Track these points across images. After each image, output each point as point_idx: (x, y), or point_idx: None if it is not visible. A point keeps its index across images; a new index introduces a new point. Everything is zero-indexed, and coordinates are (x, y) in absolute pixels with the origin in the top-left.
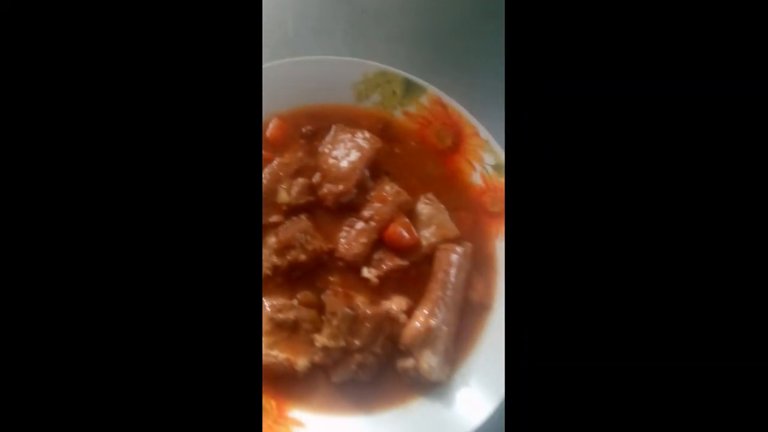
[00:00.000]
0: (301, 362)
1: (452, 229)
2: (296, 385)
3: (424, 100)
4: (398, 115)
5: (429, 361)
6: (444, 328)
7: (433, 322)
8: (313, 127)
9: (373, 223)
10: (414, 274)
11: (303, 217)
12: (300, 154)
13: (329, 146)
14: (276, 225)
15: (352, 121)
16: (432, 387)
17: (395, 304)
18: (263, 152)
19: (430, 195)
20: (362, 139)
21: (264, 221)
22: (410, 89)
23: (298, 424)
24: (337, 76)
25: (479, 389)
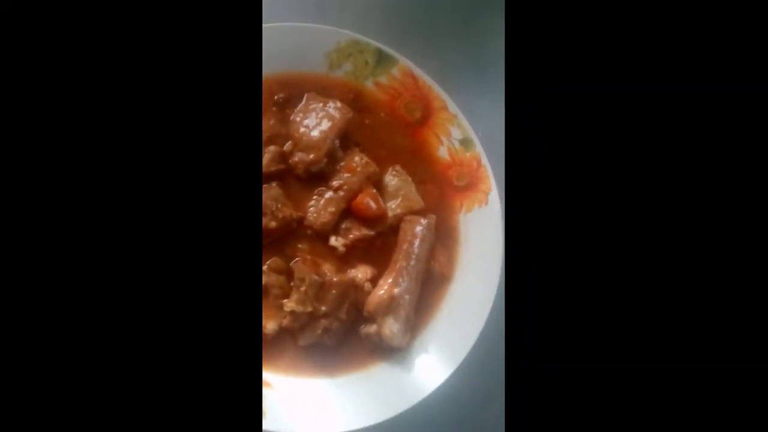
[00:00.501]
0: (270, 326)
1: (418, 201)
2: (265, 347)
3: (395, 71)
4: (369, 85)
5: (391, 328)
6: (406, 296)
7: (396, 290)
8: (285, 94)
9: (341, 193)
10: (379, 244)
11: (274, 184)
12: (272, 122)
13: (301, 115)
14: None
15: (324, 89)
16: (393, 352)
17: (360, 272)
18: None
19: (397, 167)
20: (333, 108)
21: None
22: (382, 60)
23: (266, 384)
24: (311, 44)
25: (436, 356)
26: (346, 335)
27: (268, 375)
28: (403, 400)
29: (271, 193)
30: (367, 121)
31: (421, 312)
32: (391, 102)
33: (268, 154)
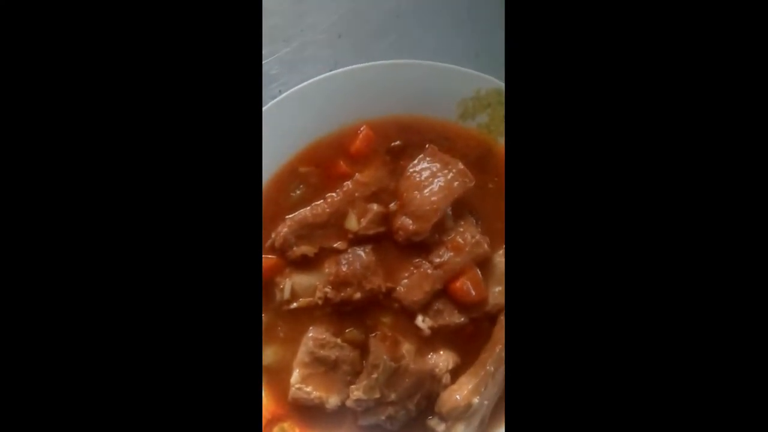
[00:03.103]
0: (332, 401)
1: None
2: (323, 417)
3: None
4: (503, 143)
5: None
6: (485, 402)
7: (476, 399)
8: (403, 141)
9: (440, 272)
10: (470, 331)
11: (368, 249)
12: (381, 173)
13: (416, 172)
14: (338, 252)
15: (448, 140)
16: None
17: (442, 360)
18: (343, 167)
19: None
20: (455, 173)
21: (325, 245)
22: None
23: None
24: (444, 88)
25: None
26: (411, 423)
27: None
28: None
29: (363, 260)
30: (490, 185)
31: (498, 413)
32: None
33: (370, 213)
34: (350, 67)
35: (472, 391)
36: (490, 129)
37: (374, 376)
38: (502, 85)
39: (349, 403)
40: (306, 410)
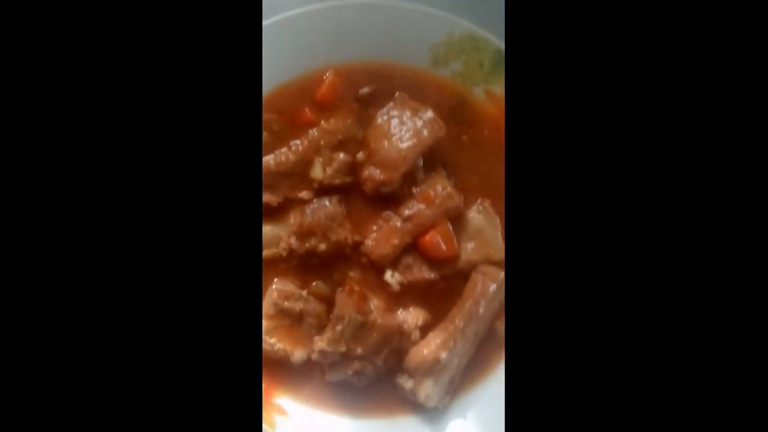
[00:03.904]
0: (298, 354)
1: (499, 250)
2: (288, 373)
3: None
4: (478, 93)
5: (428, 391)
6: (455, 360)
7: (443, 354)
8: (372, 89)
9: (410, 225)
10: (441, 288)
11: (334, 200)
12: (349, 121)
13: (384, 119)
14: (303, 202)
15: (420, 89)
16: (426, 408)
17: (411, 317)
18: (308, 114)
19: (486, 203)
20: (425, 121)
21: (290, 195)
22: (502, 65)
23: (282, 412)
24: (415, 32)
25: (474, 425)
26: (379, 379)
27: (286, 401)
28: None
29: (328, 210)
30: (464, 137)
31: (469, 372)
32: (501, 118)
33: (336, 162)
34: (314, 6)
35: (440, 346)
36: (465, 78)
37: (339, 328)
38: (476, 29)
39: (314, 356)
40: (272, 365)
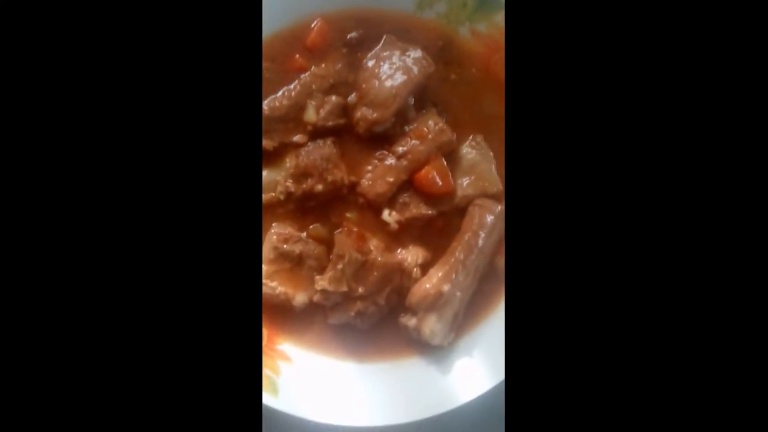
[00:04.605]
0: (299, 298)
1: (495, 183)
2: (291, 318)
3: (499, 19)
4: (464, 32)
5: (432, 326)
6: (458, 294)
7: (446, 287)
8: (360, 34)
9: (404, 162)
10: (440, 225)
11: (329, 141)
12: (339, 65)
13: (373, 62)
14: (298, 146)
15: (407, 32)
16: (432, 348)
17: (411, 255)
18: (299, 59)
19: (479, 137)
20: (413, 59)
21: (285, 139)
22: (485, 3)
23: (286, 358)
24: None
25: (481, 362)
26: (382, 321)
27: (289, 347)
28: (433, 404)
29: (323, 151)
30: (453, 77)
31: (473, 309)
32: (488, 56)
33: (328, 105)
34: None
35: (442, 279)
36: (450, 19)
37: (340, 266)
38: None
39: (316, 297)
40: (274, 312)
